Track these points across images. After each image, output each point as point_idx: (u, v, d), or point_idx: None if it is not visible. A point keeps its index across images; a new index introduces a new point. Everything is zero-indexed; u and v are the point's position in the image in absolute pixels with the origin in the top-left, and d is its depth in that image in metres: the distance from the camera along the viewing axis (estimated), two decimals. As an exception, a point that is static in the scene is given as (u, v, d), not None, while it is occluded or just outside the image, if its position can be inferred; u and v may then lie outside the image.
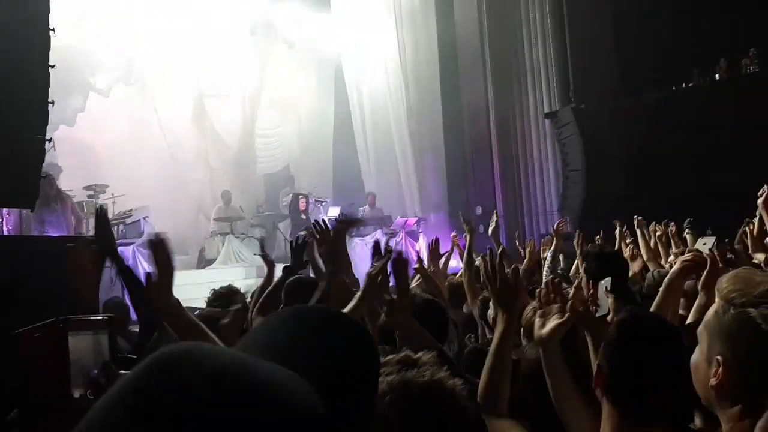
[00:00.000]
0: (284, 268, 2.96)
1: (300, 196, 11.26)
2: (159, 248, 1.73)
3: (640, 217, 5.08)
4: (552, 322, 1.81)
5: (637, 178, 10.10)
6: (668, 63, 10.41)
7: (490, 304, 3.44)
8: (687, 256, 2.48)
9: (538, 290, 2.09)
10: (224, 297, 3.02)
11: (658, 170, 10.01)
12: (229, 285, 3.29)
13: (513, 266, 2.02)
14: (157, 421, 0.44)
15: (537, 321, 1.87)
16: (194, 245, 10.96)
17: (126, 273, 2.39)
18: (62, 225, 7.37)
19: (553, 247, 4.41)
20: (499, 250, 2.15)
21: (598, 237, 5.58)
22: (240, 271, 9.36)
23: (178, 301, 1.72)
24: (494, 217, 4.82)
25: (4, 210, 7.29)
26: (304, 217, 10.93)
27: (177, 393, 0.45)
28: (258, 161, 12.68)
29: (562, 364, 1.75)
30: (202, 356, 0.48)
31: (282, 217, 11.56)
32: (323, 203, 11.58)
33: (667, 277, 2.52)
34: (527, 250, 4.75)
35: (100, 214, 2.38)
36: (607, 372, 1.43)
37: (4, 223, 7.52)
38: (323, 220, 2.77)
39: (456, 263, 8.52)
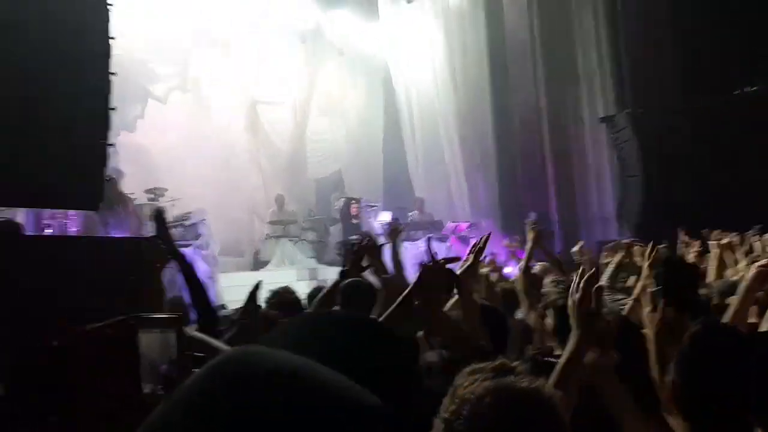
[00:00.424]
0: (340, 272, 2.95)
1: (351, 201, 11.35)
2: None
3: (715, 232, 4.82)
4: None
5: (698, 184, 9.69)
6: (729, 66, 9.97)
7: (547, 311, 3.34)
8: (763, 261, 2.36)
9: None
10: (280, 296, 3.08)
11: (719, 176, 9.58)
12: (286, 286, 3.32)
13: (596, 287, 1.89)
14: (233, 418, 0.45)
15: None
16: (249, 247, 11.19)
17: (188, 273, 2.42)
18: (124, 226, 7.64)
19: (617, 259, 4.22)
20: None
21: (661, 246, 5.33)
22: (293, 273, 9.48)
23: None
24: (530, 226, 4.58)
25: (70, 211, 7.61)
26: (355, 221, 10.98)
27: (254, 390, 0.46)
28: (309, 166, 12.85)
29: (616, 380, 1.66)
30: (271, 357, 0.50)
31: (333, 221, 11.67)
32: (373, 208, 11.61)
33: (743, 284, 2.40)
34: (584, 258, 4.60)
35: (159, 215, 2.43)
36: (679, 384, 1.37)
37: (70, 224, 7.86)
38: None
39: (512, 270, 8.38)
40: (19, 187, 4.09)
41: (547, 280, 5.18)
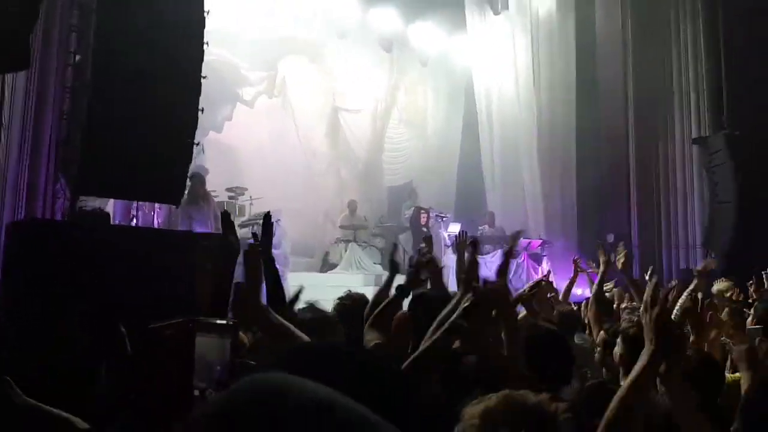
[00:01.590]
0: (397, 287, 2.93)
1: (421, 210, 11.33)
2: (250, 258, 1.79)
3: None
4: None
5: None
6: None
7: (618, 340, 3.18)
8: None
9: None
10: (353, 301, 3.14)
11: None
12: (362, 295, 3.38)
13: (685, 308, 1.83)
14: None
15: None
16: (319, 249, 11.42)
17: (273, 275, 2.49)
18: (207, 222, 7.98)
19: (692, 287, 3.97)
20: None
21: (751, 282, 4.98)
22: (359, 278, 9.59)
23: (266, 306, 1.79)
24: (621, 249, 4.45)
25: (156, 204, 8.04)
26: (425, 230, 10.96)
27: (288, 420, 0.46)
28: (384, 174, 12.97)
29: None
30: (303, 387, 0.49)
31: (402, 229, 11.70)
32: (444, 218, 11.54)
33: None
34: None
35: (267, 220, 2.51)
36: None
37: (155, 216, 8.31)
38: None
39: (581, 291, 8.05)
40: (110, 179, 4.38)
41: (621, 305, 4.97)
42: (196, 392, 1.43)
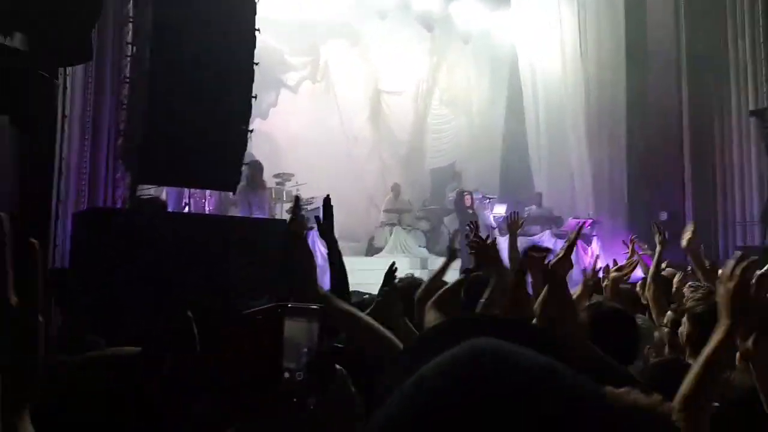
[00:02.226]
0: (465, 270, 2.94)
1: (465, 193, 11.23)
2: (297, 245, 1.80)
3: None
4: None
5: None
6: None
7: (684, 319, 3.10)
8: None
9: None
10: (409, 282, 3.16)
11: None
12: (420, 279, 3.40)
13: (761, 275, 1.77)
14: (491, 410, 0.43)
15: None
16: (364, 234, 11.48)
17: (336, 257, 2.52)
18: (266, 208, 8.17)
19: (765, 269, 3.81)
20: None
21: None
22: (405, 262, 9.60)
23: (327, 292, 1.80)
24: (690, 227, 4.33)
25: (207, 192, 8.22)
26: (470, 212, 10.87)
27: (521, 384, 0.45)
28: (427, 156, 12.89)
29: None
30: (521, 354, 0.48)
31: (447, 211, 11.64)
32: (490, 200, 11.42)
33: None
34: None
35: (327, 203, 2.55)
36: None
37: (206, 203, 8.49)
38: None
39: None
40: (169, 168, 4.49)
41: (681, 283, 4.83)
42: (286, 374, 1.47)
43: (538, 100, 11.88)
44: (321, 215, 2.53)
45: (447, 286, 2.85)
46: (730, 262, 1.73)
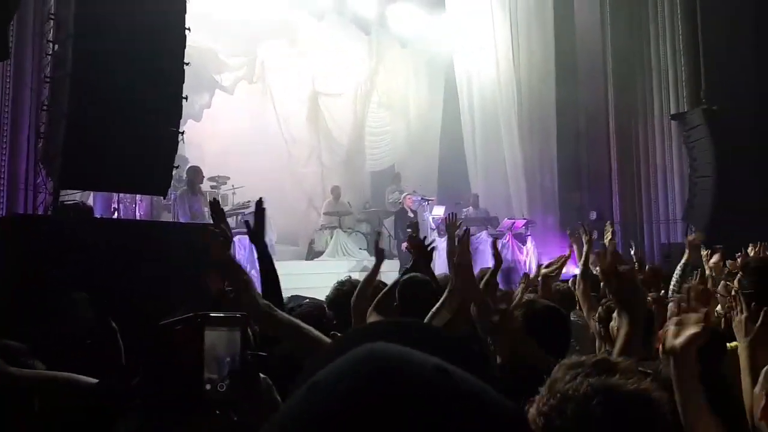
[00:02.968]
0: (403, 270, 2.96)
1: (406, 195, 11.33)
2: (227, 268, 1.77)
3: None
4: (687, 332, 1.69)
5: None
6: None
7: (614, 315, 3.24)
8: None
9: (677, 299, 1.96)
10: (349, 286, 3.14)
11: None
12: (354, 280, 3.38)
13: (630, 267, 1.93)
14: (388, 413, 0.43)
15: (671, 329, 1.77)
16: (304, 237, 11.37)
17: (267, 264, 2.47)
18: (204, 213, 7.99)
19: (684, 260, 4.05)
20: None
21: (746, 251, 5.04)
22: (345, 264, 9.58)
23: (267, 304, 1.77)
24: (608, 227, 4.54)
25: (138, 197, 7.94)
26: (411, 215, 10.97)
27: (408, 386, 0.45)
28: (366, 158, 12.91)
29: (696, 383, 1.60)
30: (413, 356, 0.49)
31: (387, 214, 11.69)
32: (429, 202, 11.56)
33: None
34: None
35: (260, 206, 2.48)
36: None
37: (137, 208, 8.19)
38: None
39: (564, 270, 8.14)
40: (95, 172, 4.30)
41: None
42: (208, 386, 1.43)
43: (473, 103, 12.12)
44: (252, 219, 2.48)
45: (385, 290, 2.86)
46: (603, 262, 1.87)
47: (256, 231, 2.49)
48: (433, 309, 2.36)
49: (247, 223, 2.40)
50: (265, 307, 1.76)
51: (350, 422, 0.43)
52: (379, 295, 2.74)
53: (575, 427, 0.83)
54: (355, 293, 3.33)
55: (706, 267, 4.29)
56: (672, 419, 1.45)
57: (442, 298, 2.47)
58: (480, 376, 0.51)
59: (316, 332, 1.71)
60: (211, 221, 2.49)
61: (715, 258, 4.30)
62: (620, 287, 1.81)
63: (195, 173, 8.71)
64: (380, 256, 3.45)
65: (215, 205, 2.56)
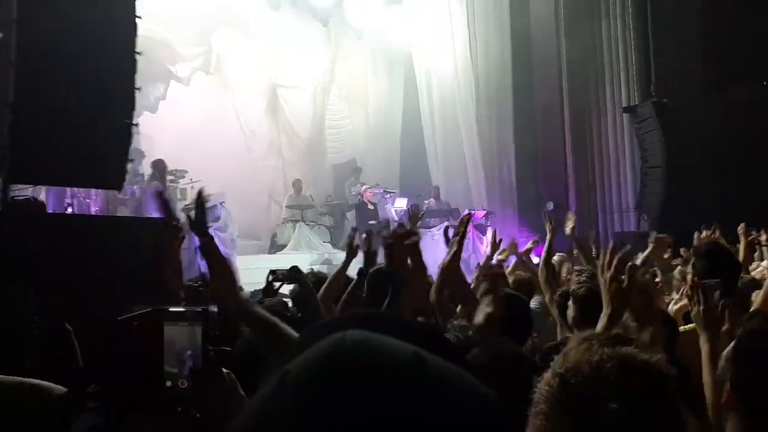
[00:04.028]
0: (359, 270, 2.95)
1: (368, 187, 11.34)
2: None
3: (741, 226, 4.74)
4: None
5: (722, 178, 9.51)
6: (758, 56, 9.72)
7: (569, 303, 3.32)
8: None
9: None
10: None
11: (745, 170, 9.39)
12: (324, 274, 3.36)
13: (630, 265, 1.95)
14: (363, 403, 0.43)
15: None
16: (266, 231, 11.25)
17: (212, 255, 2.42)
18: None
19: (645, 254, 4.15)
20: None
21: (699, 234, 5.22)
22: (309, 257, 9.54)
23: (246, 299, 1.75)
24: (571, 216, 4.66)
25: (92, 191, 7.70)
26: (371, 207, 10.98)
27: (384, 373, 0.45)
28: (327, 151, 12.84)
29: None
30: (388, 343, 0.48)
31: (350, 206, 11.68)
32: (390, 195, 11.60)
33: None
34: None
35: (199, 197, 2.41)
36: (741, 385, 1.32)
37: (91, 204, 7.96)
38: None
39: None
40: (46, 166, 4.15)
41: (564, 269, 5.17)
42: (168, 382, 1.40)
43: (432, 95, 12.20)
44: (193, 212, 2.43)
45: (347, 292, 2.84)
46: (606, 252, 1.89)
47: (197, 222, 2.43)
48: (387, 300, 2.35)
49: (188, 216, 2.33)
50: (247, 303, 1.74)
51: (324, 411, 0.42)
52: (347, 293, 2.74)
53: (589, 387, 0.86)
54: (324, 287, 3.32)
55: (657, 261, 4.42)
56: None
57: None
58: (456, 364, 0.50)
59: (292, 331, 1.69)
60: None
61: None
62: (618, 285, 1.82)
63: (163, 165, 8.62)
64: (351, 252, 3.43)
65: (160, 197, 2.49)
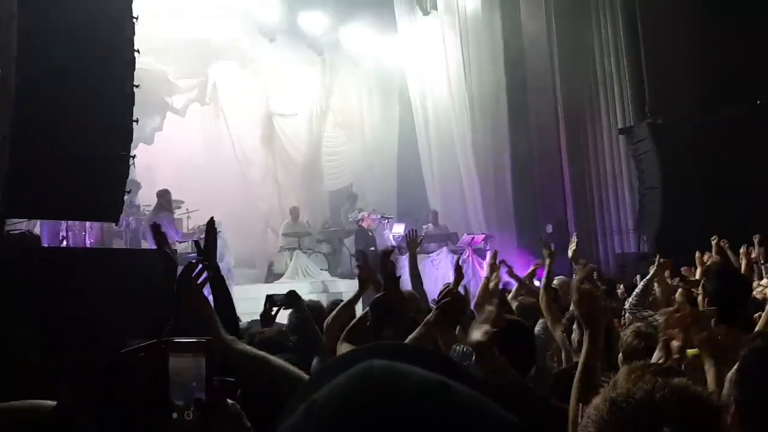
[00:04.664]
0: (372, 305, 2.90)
1: (366, 213, 11.32)
2: (188, 298, 1.71)
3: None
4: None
5: (719, 197, 9.53)
6: (752, 75, 9.84)
7: (574, 327, 3.28)
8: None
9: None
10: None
11: (742, 189, 9.42)
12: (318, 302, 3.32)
13: (609, 280, 1.99)
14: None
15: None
16: (263, 260, 11.17)
17: (220, 287, 2.38)
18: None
19: (649, 277, 4.11)
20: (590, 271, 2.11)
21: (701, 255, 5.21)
22: (306, 286, 9.45)
23: (233, 338, 1.73)
24: (574, 239, 4.66)
25: (87, 223, 7.64)
26: (370, 234, 10.95)
27: (409, 401, 0.45)
28: (324, 178, 12.86)
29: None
30: (414, 372, 0.49)
31: (347, 233, 11.63)
32: (388, 220, 11.57)
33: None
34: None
35: (210, 227, 2.35)
36: (745, 404, 1.30)
37: (87, 236, 7.89)
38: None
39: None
40: (42, 199, 4.11)
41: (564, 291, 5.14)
42: (174, 414, 1.36)
43: (428, 121, 12.27)
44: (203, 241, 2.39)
45: (354, 321, 2.78)
46: (574, 285, 1.96)
47: (207, 253, 2.39)
48: (414, 333, 2.32)
49: (197, 244, 2.29)
50: (229, 342, 1.70)
51: None
52: (348, 327, 2.69)
53: (642, 413, 0.85)
54: (331, 316, 3.26)
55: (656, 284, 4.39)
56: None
57: (423, 323, 2.43)
58: (480, 392, 0.51)
59: (285, 363, 1.66)
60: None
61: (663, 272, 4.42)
62: (585, 306, 1.87)
63: (169, 196, 8.93)
64: (363, 284, 3.37)
65: (156, 229, 2.44)
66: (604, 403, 0.87)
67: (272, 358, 1.72)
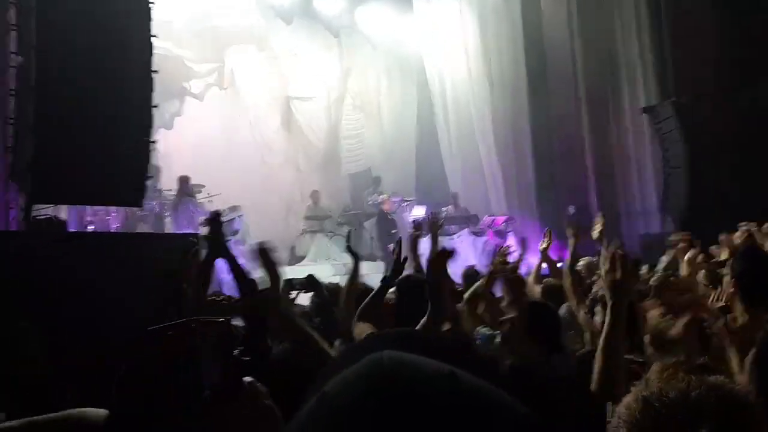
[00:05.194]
0: (384, 278, 2.90)
1: (387, 196, 11.32)
2: (266, 257, 1.75)
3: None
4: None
5: (746, 176, 9.31)
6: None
7: (598, 308, 3.25)
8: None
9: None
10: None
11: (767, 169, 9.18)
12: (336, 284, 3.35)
13: (634, 260, 1.99)
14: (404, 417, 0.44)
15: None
16: (285, 243, 11.26)
17: (236, 268, 2.40)
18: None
19: (671, 256, 4.04)
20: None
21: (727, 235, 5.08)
22: (329, 268, 9.52)
23: (292, 313, 1.76)
24: (599, 219, 4.54)
25: (112, 209, 7.77)
26: (390, 216, 10.95)
27: (419, 393, 0.46)
28: (343, 162, 12.86)
29: None
30: (424, 363, 0.50)
31: (367, 216, 11.65)
32: (408, 203, 11.55)
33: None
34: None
35: (215, 219, 2.43)
36: (765, 385, 1.28)
37: (111, 221, 8.02)
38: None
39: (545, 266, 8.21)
40: (67, 185, 4.18)
41: (589, 272, 5.07)
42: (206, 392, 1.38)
43: (446, 103, 12.15)
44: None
45: (367, 300, 2.76)
46: (605, 255, 1.94)
47: (216, 246, 2.42)
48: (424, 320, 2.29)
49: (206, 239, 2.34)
50: (293, 315, 1.77)
51: (371, 429, 0.43)
52: (362, 306, 2.68)
53: (677, 411, 0.83)
54: (343, 299, 3.28)
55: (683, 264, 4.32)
56: None
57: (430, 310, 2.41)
58: (491, 382, 0.51)
59: (325, 344, 1.70)
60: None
61: (690, 254, 4.35)
62: (614, 276, 1.85)
63: (190, 180, 9.11)
64: (355, 257, 3.39)
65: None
66: (636, 402, 0.85)
67: (317, 336, 1.75)
